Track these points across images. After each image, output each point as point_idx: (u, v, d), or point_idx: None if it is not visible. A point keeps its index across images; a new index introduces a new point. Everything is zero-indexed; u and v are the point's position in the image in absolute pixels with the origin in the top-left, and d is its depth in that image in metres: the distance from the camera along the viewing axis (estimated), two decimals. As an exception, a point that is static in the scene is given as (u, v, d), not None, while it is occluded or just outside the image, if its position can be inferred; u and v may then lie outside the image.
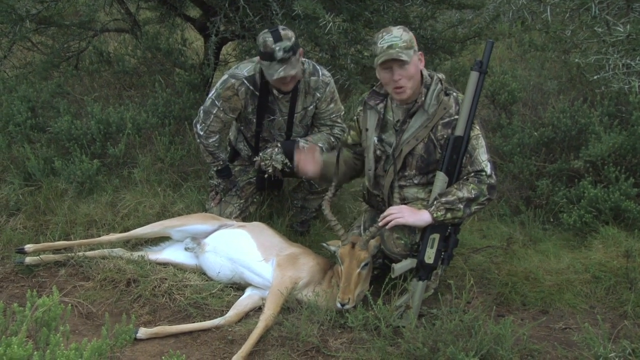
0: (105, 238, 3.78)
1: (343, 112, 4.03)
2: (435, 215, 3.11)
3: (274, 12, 4.52)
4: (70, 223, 4.05)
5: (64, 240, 3.89)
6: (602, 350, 2.69)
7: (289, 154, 3.83)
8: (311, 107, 3.90)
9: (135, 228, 3.90)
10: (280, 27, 3.62)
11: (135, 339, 3.04)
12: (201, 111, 3.90)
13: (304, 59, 3.83)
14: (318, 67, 3.89)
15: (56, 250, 3.76)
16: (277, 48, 3.54)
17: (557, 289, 3.52)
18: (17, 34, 5.10)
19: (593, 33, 4.93)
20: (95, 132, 4.52)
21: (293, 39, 3.60)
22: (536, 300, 3.47)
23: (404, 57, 3.11)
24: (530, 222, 4.18)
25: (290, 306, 3.29)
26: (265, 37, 3.58)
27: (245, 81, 3.78)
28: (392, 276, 3.16)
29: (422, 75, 3.26)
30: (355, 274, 3.18)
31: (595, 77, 4.65)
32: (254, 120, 3.91)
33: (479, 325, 2.80)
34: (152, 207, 4.19)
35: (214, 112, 3.85)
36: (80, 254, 3.70)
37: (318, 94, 3.86)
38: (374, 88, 3.44)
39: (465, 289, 3.05)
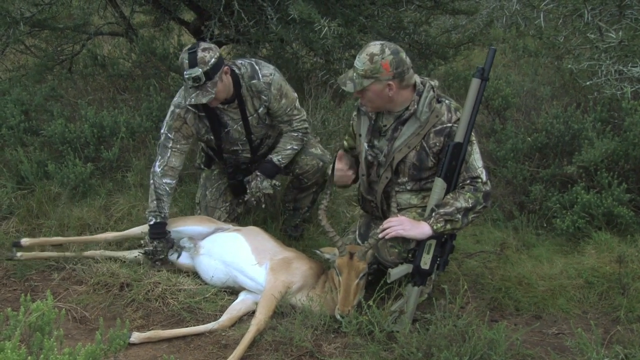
0: (101, 236, 3.78)
1: (296, 99, 3.87)
2: (435, 227, 3.10)
3: (268, 16, 4.52)
4: (63, 227, 4.04)
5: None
6: (595, 356, 2.69)
7: (271, 174, 3.82)
8: (261, 109, 3.81)
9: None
10: (201, 48, 3.50)
11: (129, 343, 3.03)
12: (158, 148, 3.82)
13: (241, 61, 3.77)
14: (257, 68, 3.75)
15: (53, 246, 3.77)
16: (187, 76, 3.48)
17: (550, 294, 3.53)
18: (10, 37, 5.09)
19: (586, 39, 4.95)
20: (88, 135, 4.51)
21: (212, 60, 3.48)
22: (529, 306, 3.47)
23: (347, 88, 3.18)
24: (524, 227, 4.19)
25: (283, 311, 3.29)
26: (183, 57, 3.52)
27: (189, 107, 3.72)
28: (388, 281, 3.15)
29: (414, 84, 3.24)
30: (354, 285, 3.17)
31: (588, 83, 4.67)
32: (212, 137, 3.87)
33: (472, 330, 2.80)
34: (145, 210, 4.17)
35: (170, 145, 3.76)
36: (73, 254, 3.71)
37: (264, 97, 3.76)
38: None
39: (459, 294, 3.04)
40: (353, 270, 3.18)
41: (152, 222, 3.70)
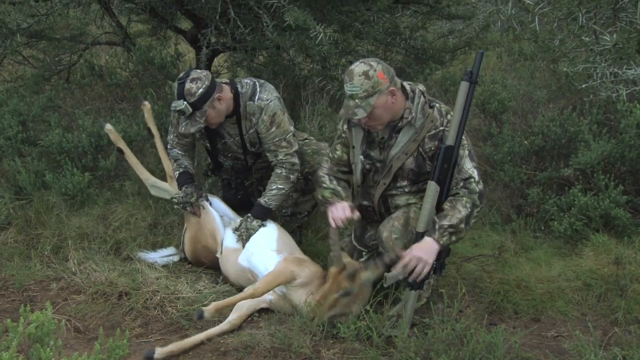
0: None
1: (291, 133, 3.77)
2: (441, 242, 3.09)
3: (264, 23, 4.53)
4: (61, 236, 4.04)
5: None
6: (594, 358, 2.70)
7: (261, 216, 3.75)
8: (251, 131, 3.78)
9: (127, 241, 3.94)
10: (190, 78, 3.51)
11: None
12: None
13: (247, 80, 3.77)
14: (258, 89, 3.73)
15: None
16: (173, 108, 3.56)
17: (548, 296, 3.53)
18: (7, 47, 5.09)
19: (581, 42, 4.96)
20: (86, 145, 4.52)
21: (200, 91, 3.49)
22: (528, 308, 3.48)
23: (359, 115, 3.11)
24: (522, 230, 4.20)
25: (281, 316, 3.29)
26: (173, 87, 3.59)
27: None
28: (385, 285, 3.15)
29: (404, 90, 3.24)
30: (332, 298, 3.17)
31: (583, 86, 4.68)
32: (208, 144, 3.92)
33: (471, 334, 2.81)
34: (144, 219, 4.19)
35: (171, 137, 3.96)
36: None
37: (254, 119, 3.73)
38: None
39: (457, 298, 3.06)
40: (335, 284, 3.19)
41: (177, 174, 3.91)
